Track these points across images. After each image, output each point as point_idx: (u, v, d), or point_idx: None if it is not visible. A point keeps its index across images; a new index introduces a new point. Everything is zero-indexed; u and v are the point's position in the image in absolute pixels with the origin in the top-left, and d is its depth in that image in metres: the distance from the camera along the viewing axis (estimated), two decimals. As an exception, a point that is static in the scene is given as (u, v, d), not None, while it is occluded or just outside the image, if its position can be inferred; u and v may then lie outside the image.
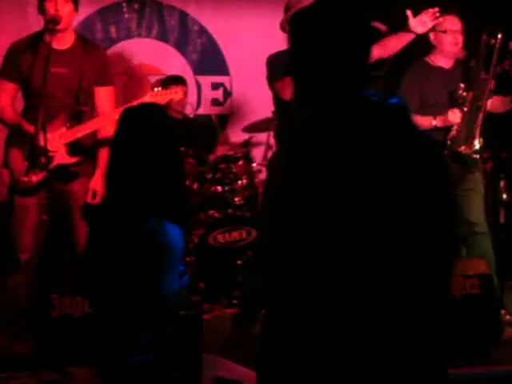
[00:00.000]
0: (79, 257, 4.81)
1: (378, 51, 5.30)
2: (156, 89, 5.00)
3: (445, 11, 5.52)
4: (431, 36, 5.58)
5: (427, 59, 5.65)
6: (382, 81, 7.41)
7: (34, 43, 4.80)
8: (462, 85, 5.38)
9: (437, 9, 5.23)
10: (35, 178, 4.65)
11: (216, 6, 7.17)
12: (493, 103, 5.44)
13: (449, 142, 5.31)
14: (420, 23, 5.15)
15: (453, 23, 5.52)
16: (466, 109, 5.35)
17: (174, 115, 6.46)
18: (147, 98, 4.87)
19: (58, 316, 4.13)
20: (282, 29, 5.20)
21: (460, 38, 5.57)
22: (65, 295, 4.16)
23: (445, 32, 5.47)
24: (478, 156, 5.22)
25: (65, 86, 4.81)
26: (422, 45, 5.38)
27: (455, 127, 5.33)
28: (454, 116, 5.35)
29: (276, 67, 5.02)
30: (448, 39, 5.52)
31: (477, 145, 5.20)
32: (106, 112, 4.88)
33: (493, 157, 5.51)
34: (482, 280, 4.66)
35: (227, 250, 5.93)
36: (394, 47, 5.25)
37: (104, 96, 4.93)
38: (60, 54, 4.77)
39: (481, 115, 5.32)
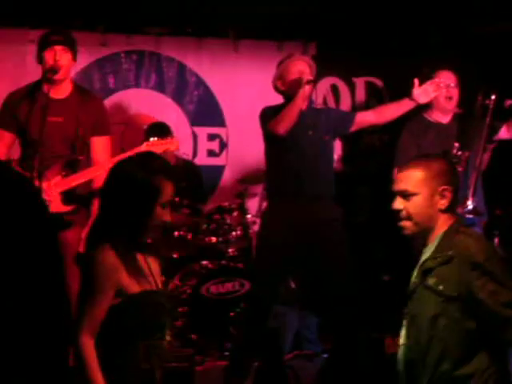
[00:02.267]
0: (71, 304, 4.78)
1: (374, 118, 5.38)
2: (152, 139, 5.01)
3: (441, 67, 5.61)
4: None
5: (425, 115, 5.70)
6: (378, 135, 7.50)
7: (32, 92, 4.84)
8: (457, 144, 5.41)
9: (441, 79, 5.33)
10: None
11: (214, 58, 7.24)
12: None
13: None
14: (424, 93, 5.24)
15: (448, 78, 5.57)
16: (460, 168, 5.37)
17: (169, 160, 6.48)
18: (143, 148, 4.89)
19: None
20: (275, 88, 5.28)
21: (455, 93, 5.62)
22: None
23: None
24: (471, 216, 5.23)
25: (61, 135, 4.83)
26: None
27: None
28: None
29: (269, 116, 5.09)
30: (442, 93, 5.57)
31: (470, 205, 5.21)
32: (102, 161, 4.89)
33: (487, 214, 5.53)
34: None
35: (220, 301, 5.90)
36: (391, 115, 5.34)
37: (100, 146, 4.95)
38: (57, 103, 4.81)
39: (475, 175, 5.34)
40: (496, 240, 5.05)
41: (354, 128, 5.32)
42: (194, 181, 6.56)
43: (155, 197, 3.01)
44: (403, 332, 3.16)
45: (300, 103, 5.05)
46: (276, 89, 5.26)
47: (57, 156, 4.82)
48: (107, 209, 3.09)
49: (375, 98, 7.69)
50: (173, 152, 6.37)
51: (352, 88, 7.67)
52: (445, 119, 5.68)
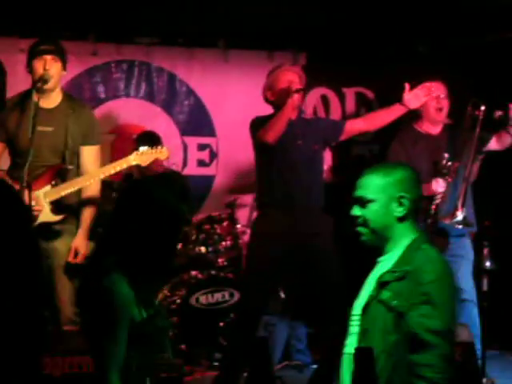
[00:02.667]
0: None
1: (364, 125, 5.38)
2: (142, 148, 5.00)
3: (431, 78, 5.62)
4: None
5: (415, 125, 5.71)
6: (367, 146, 7.52)
7: (22, 102, 4.82)
8: (447, 155, 5.42)
9: (432, 84, 5.34)
10: None
11: (204, 68, 7.25)
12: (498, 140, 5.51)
13: (432, 211, 5.34)
14: (414, 98, 5.24)
15: (437, 89, 5.58)
16: (449, 179, 5.39)
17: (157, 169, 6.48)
18: (132, 158, 4.88)
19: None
20: (265, 98, 5.28)
21: (445, 104, 5.63)
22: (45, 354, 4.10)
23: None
24: (460, 226, 5.24)
25: (51, 145, 4.82)
26: (411, 112, 5.46)
27: (438, 197, 5.36)
28: (437, 186, 5.37)
29: (259, 126, 5.08)
30: (432, 104, 5.59)
31: (459, 215, 5.22)
32: (91, 171, 4.87)
33: (477, 225, 5.54)
34: (464, 348, 4.63)
35: (209, 311, 5.89)
36: (382, 121, 5.32)
37: (89, 155, 4.93)
38: (47, 112, 4.79)
39: (464, 186, 5.35)
40: (485, 251, 5.05)
41: (344, 136, 5.31)
42: (188, 192, 6.55)
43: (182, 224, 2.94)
44: (350, 340, 3.08)
45: (289, 112, 5.05)
46: (266, 99, 5.26)
47: (46, 165, 4.81)
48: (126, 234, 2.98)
49: (365, 109, 7.71)
50: (161, 162, 6.39)
51: (342, 98, 7.68)
52: (435, 130, 5.68)
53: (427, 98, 5.32)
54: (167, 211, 2.94)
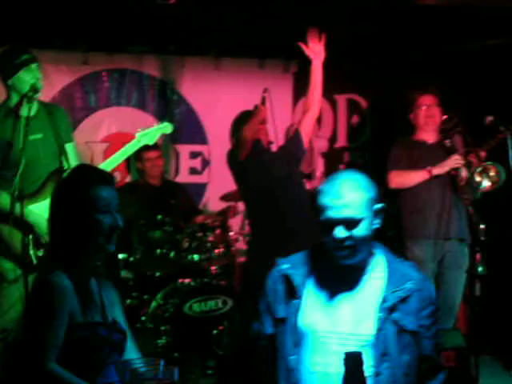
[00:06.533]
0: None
1: (306, 110, 5.28)
2: (141, 129, 5.01)
3: (423, 90, 5.70)
4: (410, 117, 5.73)
5: (411, 137, 5.79)
6: (359, 153, 7.54)
7: (2, 114, 4.78)
8: (445, 116, 5.56)
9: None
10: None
11: (195, 76, 7.26)
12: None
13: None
14: (312, 52, 5.18)
15: (427, 99, 5.68)
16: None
17: (151, 182, 6.49)
18: (136, 140, 4.91)
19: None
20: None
21: (435, 111, 5.68)
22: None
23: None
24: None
25: (46, 150, 4.79)
26: (407, 125, 5.55)
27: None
28: (455, 161, 5.45)
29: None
30: (423, 113, 5.67)
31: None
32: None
33: (471, 236, 5.59)
34: (458, 353, 4.65)
35: (203, 319, 5.88)
36: (312, 90, 5.22)
37: (73, 151, 4.93)
38: (32, 120, 4.72)
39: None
40: (477, 256, 5.08)
41: (306, 140, 5.20)
42: (181, 200, 6.56)
43: (91, 206, 2.97)
44: (329, 359, 2.93)
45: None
46: None
47: (45, 172, 4.78)
48: (54, 231, 3.06)
49: (357, 115, 7.73)
50: (158, 166, 6.41)
51: (334, 105, 7.70)
52: (430, 139, 5.74)
53: (320, 45, 5.20)
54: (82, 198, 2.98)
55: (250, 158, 5.19)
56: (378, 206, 2.97)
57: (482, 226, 5.10)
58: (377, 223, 2.98)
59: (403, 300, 2.94)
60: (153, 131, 4.97)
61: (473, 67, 6.84)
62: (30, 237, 4.59)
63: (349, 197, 2.92)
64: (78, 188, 3.01)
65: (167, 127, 5.03)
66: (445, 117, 5.67)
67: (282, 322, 3.05)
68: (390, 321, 2.93)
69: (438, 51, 7.00)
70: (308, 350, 2.99)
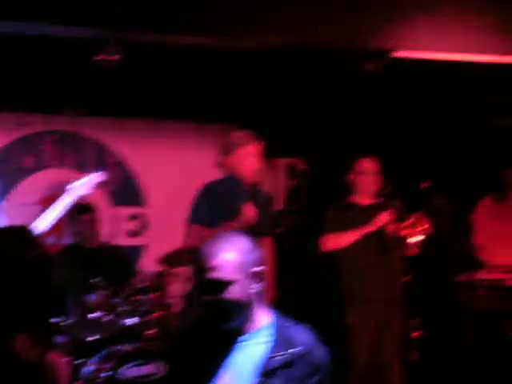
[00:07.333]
0: None
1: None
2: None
3: (363, 155, 5.79)
4: (350, 178, 5.80)
5: (346, 199, 5.87)
6: (297, 215, 7.55)
7: None
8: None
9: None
10: None
11: (133, 138, 7.26)
12: None
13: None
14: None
15: (369, 165, 5.76)
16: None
17: (87, 245, 6.41)
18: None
19: None
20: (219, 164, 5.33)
21: (376, 179, 5.78)
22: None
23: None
24: None
25: None
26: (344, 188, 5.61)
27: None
28: (385, 217, 5.56)
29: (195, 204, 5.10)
30: (364, 180, 5.76)
31: None
32: None
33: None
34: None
35: (137, 384, 5.76)
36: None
37: None
38: None
39: None
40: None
41: None
42: (117, 263, 6.48)
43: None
44: None
45: None
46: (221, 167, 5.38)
47: None
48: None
49: (296, 180, 7.76)
50: (92, 229, 6.34)
51: (273, 170, 7.72)
52: (366, 201, 5.82)
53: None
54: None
55: None
56: (256, 269, 2.85)
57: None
58: (255, 287, 2.86)
59: (288, 365, 2.79)
60: (83, 181, 4.92)
61: (413, 132, 6.97)
62: None
63: (219, 258, 2.80)
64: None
65: (98, 175, 4.99)
66: (381, 185, 5.77)
67: None
68: None
69: (381, 116, 7.13)
70: None
